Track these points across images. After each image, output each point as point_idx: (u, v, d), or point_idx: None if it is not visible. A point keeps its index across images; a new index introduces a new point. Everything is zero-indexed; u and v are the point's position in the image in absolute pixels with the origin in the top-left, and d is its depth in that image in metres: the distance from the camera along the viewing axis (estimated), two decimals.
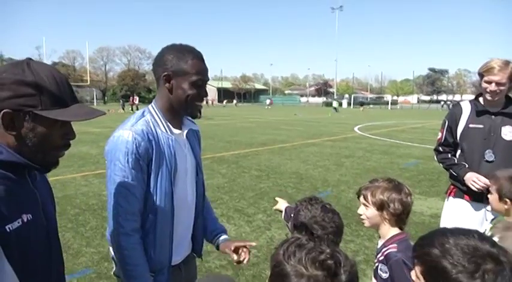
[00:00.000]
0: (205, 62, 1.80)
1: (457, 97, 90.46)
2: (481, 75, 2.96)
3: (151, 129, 1.70)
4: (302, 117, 35.77)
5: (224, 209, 6.29)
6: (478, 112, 3.05)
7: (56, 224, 1.42)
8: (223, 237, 2.07)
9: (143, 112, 1.77)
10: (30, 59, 1.19)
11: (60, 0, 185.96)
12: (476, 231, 1.09)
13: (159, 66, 1.75)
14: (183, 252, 1.95)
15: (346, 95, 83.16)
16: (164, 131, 1.75)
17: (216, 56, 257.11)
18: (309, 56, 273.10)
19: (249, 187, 7.76)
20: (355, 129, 22.18)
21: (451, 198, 3.25)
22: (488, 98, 2.94)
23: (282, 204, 2.17)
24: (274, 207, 2.23)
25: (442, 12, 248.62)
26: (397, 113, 49.10)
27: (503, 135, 2.96)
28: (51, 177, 8.55)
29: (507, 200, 2.22)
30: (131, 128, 1.67)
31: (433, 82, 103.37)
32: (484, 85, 2.93)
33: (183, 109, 1.78)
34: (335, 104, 52.84)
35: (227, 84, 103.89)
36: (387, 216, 1.88)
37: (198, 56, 1.76)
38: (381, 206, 1.88)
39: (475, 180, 2.88)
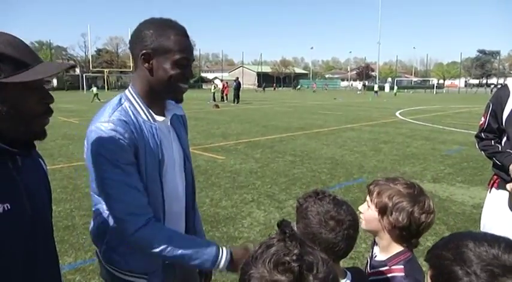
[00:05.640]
0: (189, 38, 1.58)
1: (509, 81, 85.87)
2: None
3: (131, 118, 1.51)
4: (342, 101, 35.03)
5: (255, 195, 6.19)
6: None
7: (48, 214, 1.33)
8: None
9: (120, 99, 1.56)
10: None
11: None
12: (507, 240, 0.89)
13: (135, 43, 1.53)
14: None
15: (389, 79, 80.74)
16: (146, 119, 1.55)
17: (255, 40, 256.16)
18: (351, 38, 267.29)
19: (282, 172, 7.61)
20: (397, 114, 21.45)
21: (493, 189, 2.94)
22: None
23: None
24: None
25: None
26: (442, 97, 47.23)
27: None
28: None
29: None
30: (109, 119, 1.47)
31: (483, 65, 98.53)
32: None
33: (165, 92, 1.58)
34: (375, 87, 53.54)
35: (266, 69, 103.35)
36: (387, 225, 1.53)
37: (181, 32, 1.54)
38: (382, 210, 1.53)
39: None
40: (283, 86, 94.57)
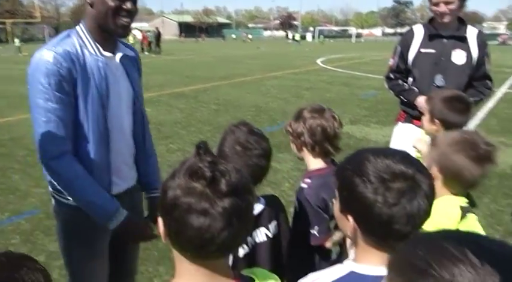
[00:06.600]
0: None
1: None
2: None
3: (76, 50, 1.58)
4: (265, 50, 35.10)
5: (180, 144, 6.19)
6: (431, 36, 2.93)
7: None
8: (155, 195, 2.03)
9: (69, 33, 1.65)
10: None
11: None
12: (402, 153, 1.01)
13: None
14: (124, 182, 1.85)
15: (311, 28, 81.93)
16: (93, 52, 1.63)
17: None
18: None
19: (207, 121, 7.64)
20: (318, 61, 22.03)
21: (400, 123, 3.22)
22: (439, 20, 2.82)
23: None
24: None
25: None
26: (360, 45, 49.05)
27: (453, 60, 2.86)
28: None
29: (437, 120, 2.12)
30: (52, 48, 1.54)
31: (398, 14, 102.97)
32: (433, 8, 2.79)
33: (107, 26, 1.61)
34: (297, 36, 54.98)
35: (188, 18, 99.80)
36: (304, 144, 1.70)
37: None
38: (297, 135, 1.71)
39: None
40: (207, 37, 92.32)
